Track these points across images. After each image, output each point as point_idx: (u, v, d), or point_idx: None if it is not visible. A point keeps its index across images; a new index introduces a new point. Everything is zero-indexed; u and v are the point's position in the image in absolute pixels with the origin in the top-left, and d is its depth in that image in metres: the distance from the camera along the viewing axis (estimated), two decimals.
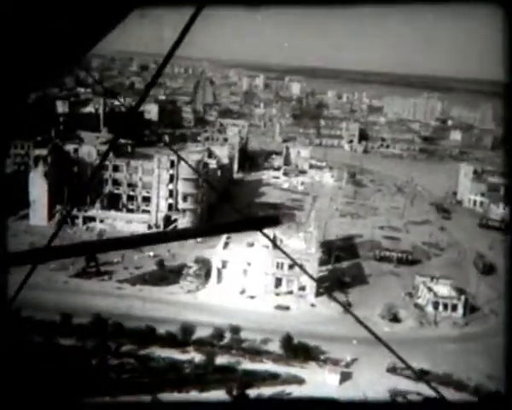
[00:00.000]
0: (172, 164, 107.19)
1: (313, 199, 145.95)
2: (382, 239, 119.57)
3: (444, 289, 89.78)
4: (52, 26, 3.43)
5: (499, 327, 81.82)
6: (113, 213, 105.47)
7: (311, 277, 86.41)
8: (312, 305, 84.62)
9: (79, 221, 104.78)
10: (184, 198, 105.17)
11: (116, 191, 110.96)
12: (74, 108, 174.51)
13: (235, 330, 70.30)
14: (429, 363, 70.81)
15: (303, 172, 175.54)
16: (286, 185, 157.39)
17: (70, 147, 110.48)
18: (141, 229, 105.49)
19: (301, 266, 79.93)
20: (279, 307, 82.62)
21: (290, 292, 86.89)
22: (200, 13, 3.65)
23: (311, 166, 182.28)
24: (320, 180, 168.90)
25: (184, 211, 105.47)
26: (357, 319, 5.60)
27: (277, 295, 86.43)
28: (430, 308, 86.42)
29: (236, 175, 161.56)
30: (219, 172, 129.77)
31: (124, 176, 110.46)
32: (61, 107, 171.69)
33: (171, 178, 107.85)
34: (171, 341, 67.90)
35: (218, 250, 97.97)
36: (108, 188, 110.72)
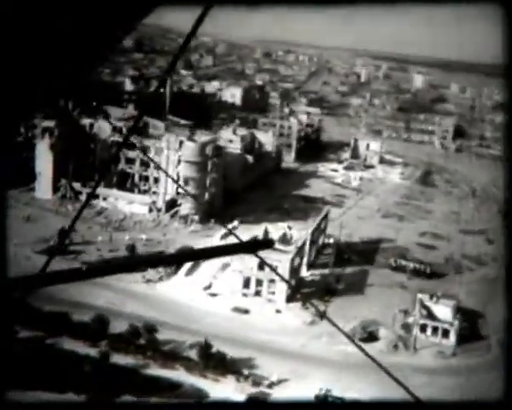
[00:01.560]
0: (181, 145, 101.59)
1: (358, 195, 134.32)
2: (415, 246, 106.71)
3: (443, 311, 76.84)
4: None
5: (497, 362, 68.35)
6: (115, 191, 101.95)
7: (283, 279, 77.84)
8: (278, 311, 75.59)
9: (83, 197, 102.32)
10: (186, 182, 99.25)
11: (129, 170, 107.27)
12: (141, 87, 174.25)
13: (150, 329, 63.48)
14: (377, 392, 59.87)
15: (369, 166, 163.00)
16: (339, 179, 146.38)
17: (86, 121, 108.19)
18: (142, 211, 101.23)
19: (271, 266, 71.65)
20: (237, 310, 74.53)
21: (258, 294, 78.39)
22: (208, 12, 3.69)
23: (382, 161, 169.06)
24: (383, 177, 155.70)
25: (185, 196, 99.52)
26: (338, 328, 5.47)
27: (244, 296, 78.29)
28: (416, 331, 74.24)
29: (289, 164, 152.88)
30: (251, 159, 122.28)
31: (136, 155, 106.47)
32: (129, 85, 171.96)
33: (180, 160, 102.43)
34: (82, 332, 62.57)
35: (212, 241, 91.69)
36: (121, 166, 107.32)
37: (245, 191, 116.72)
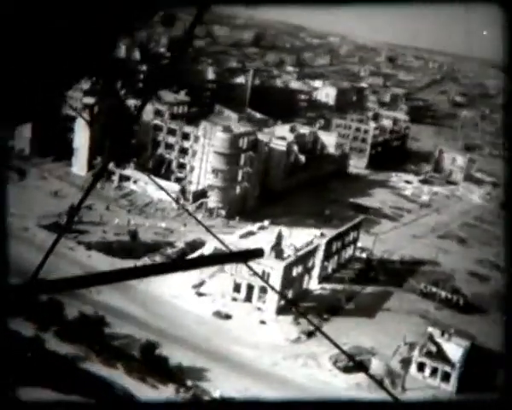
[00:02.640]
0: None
1: (422, 211, 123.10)
2: (464, 274, 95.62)
3: (453, 351, 66.80)
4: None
5: None
6: (145, 175, 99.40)
7: (272, 288, 71.29)
8: (262, 322, 69.06)
9: (115, 178, 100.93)
10: (214, 174, 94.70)
11: (167, 156, 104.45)
12: (224, 77, 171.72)
13: (98, 320, 59.52)
14: None
15: (452, 182, 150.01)
16: (408, 192, 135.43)
17: (132, 102, 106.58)
18: (169, 198, 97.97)
19: (258, 274, 66.11)
20: (217, 314, 68.89)
21: (249, 300, 72.23)
22: (203, 13, 3.87)
23: (470, 179, 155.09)
24: (463, 195, 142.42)
25: (212, 188, 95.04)
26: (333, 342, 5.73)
27: (234, 300, 72.45)
28: (413, 369, 64.96)
29: (359, 170, 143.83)
30: (303, 158, 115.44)
31: (176, 141, 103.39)
32: (211, 74, 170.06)
33: None
34: (34, 313, 59.80)
35: (230, 238, 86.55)
36: (161, 151, 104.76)
37: (290, 192, 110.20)
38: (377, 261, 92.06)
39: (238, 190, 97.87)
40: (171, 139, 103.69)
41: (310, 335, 67.90)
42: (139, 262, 76.46)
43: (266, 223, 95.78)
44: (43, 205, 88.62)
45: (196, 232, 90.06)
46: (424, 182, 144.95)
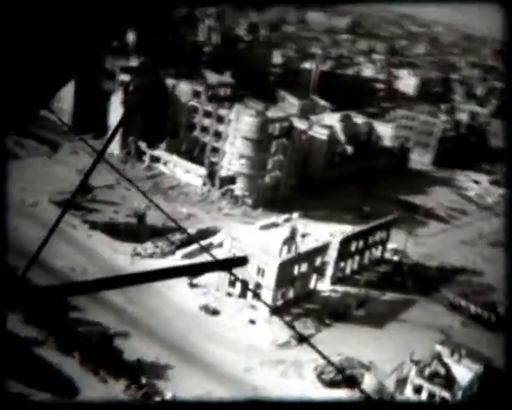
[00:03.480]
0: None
1: (481, 214, 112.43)
2: (508, 289, 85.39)
3: (462, 374, 58.88)
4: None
5: None
6: (175, 157, 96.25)
7: (256, 293, 65.99)
8: (252, 321, 63.96)
9: (146, 158, 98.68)
10: (241, 160, 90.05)
11: (202, 139, 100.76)
12: (290, 61, 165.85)
13: (64, 305, 56.68)
14: None
15: None
16: (473, 193, 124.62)
17: (170, 82, 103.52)
18: (196, 182, 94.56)
19: (243, 280, 61.64)
20: (205, 309, 64.50)
21: (243, 296, 67.29)
22: (192, 13, 7.26)
23: None
24: None
25: (239, 175, 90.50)
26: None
27: (229, 295, 67.74)
28: (409, 391, 57.72)
29: (422, 166, 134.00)
30: (350, 149, 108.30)
31: (210, 123, 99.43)
32: (276, 57, 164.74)
33: None
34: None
35: (248, 229, 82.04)
36: (196, 133, 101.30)
37: (332, 184, 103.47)
38: (410, 266, 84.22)
39: (268, 178, 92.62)
40: (206, 122, 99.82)
41: (301, 340, 62.10)
42: (141, 246, 73.38)
43: (295, 215, 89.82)
44: (64, 181, 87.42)
45: (218, 220, 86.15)
46: (494, 183, 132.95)
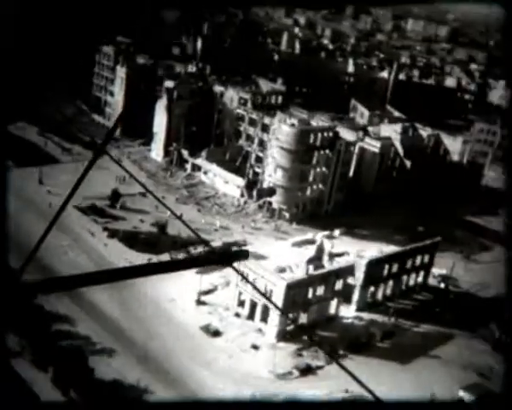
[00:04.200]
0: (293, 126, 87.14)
1: None
2: None
3: None
4: None
5: None
6: (214, 166, 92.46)
7: (273, 302, 60.68)
8: (254, 347, 58.53)
9: (188, 166, 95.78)
10: (279, 172, 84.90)
11: (248, 148, 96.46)
12: (364, 71, 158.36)
13: (49, 317, 53.87)
14: None
15: None
16: None
17: (218, 89, 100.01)
18: (235, 193, 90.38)
19: (252, 283, 57.21)
20: (205, 329, 59.84)
21: (251, 318, 62.00)
22: (191, 13, 7.42)
23: None
24: None
25: (277, 187, 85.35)
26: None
27: (237, 316, 62.69)
28: None
29: (499, 184, 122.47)
30: (408, 164, 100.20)
31: (255, 132, 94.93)
32: (351, 66, 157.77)
33: None
34: None
35: (279, 245, 77.03)
36: (241, 142, 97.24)
37: (386, 200, 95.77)
38: (457, 295, 75.62)
39: (309, 192, 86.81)
40: (251, 130, 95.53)
41: (305, 372, 56.09)
42: (156, 258, 69.96)
43: (337, 232, 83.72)
44: (98, 187, 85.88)
45: (250, 234, 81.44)
46: None
